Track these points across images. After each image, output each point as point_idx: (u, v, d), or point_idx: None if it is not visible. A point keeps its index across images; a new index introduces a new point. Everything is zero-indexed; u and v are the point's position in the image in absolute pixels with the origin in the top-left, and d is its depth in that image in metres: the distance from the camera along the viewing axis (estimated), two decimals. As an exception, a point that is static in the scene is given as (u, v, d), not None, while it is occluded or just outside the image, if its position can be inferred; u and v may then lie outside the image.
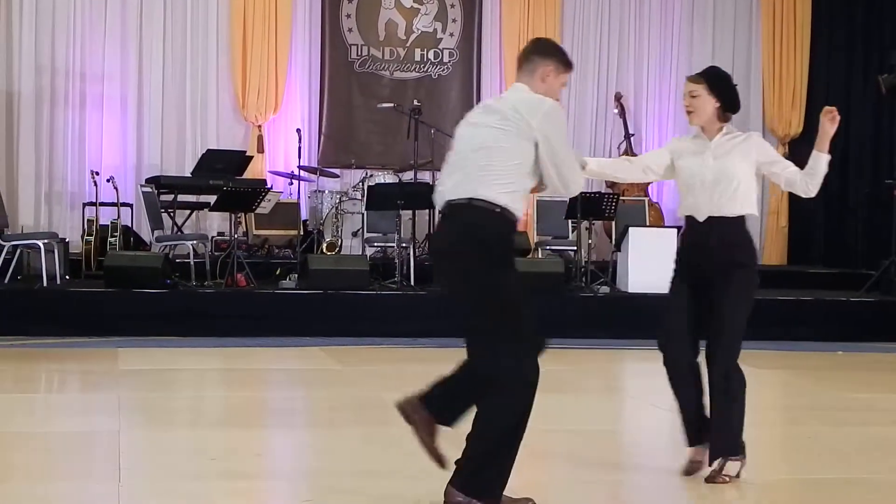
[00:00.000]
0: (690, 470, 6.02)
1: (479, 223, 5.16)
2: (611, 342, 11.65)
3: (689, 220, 6.03)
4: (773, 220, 16.01)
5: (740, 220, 5.93)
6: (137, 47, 14.78)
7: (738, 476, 5.90)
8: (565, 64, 5.57)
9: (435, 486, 5.64)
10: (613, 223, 13.85)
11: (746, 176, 5.92)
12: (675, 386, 6.09)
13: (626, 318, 12.32)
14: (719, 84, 5.98)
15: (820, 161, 5.93)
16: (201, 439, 6.98)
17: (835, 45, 16.15)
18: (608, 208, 13.05)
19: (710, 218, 5.94)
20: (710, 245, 5.94)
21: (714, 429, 5.92)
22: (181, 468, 6.16)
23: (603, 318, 12.33)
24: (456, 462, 5.26)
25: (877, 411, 8.04)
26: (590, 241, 13.16)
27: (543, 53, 5.59)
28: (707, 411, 6.00)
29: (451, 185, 5.28)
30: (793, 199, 15.38)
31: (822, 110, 6.05)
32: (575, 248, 13.41)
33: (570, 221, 13.67)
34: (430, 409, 5.40)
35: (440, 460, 5.37)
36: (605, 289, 12.86)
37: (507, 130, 5.22)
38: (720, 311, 5.93)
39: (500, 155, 5.20)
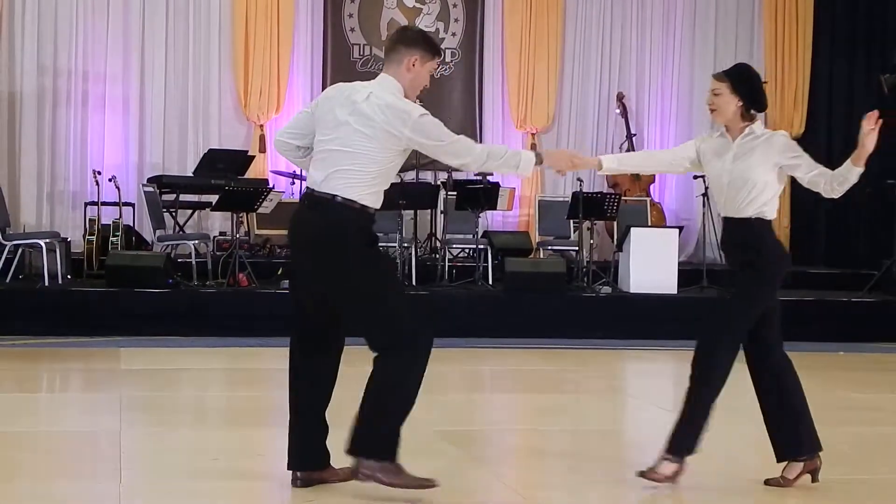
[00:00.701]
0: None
1: (344, 218, 5.40)
2: (612, 342, 11.65)
3: (722, 218, 6.08)
4: (774, 220, 15.94)
5: (753, 222, 5.89)
6: (140, 47, 14.78)
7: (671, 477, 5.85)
8: (432, 51, 5.62)
9: (439, 486, 5.64)
10: (615, 223, 13.85)
11: (763, 178, 5.85)
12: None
13: (627, 319, 12.33)
14: (743, 83, 5.94)
15: (852, 173, 5.87)
16: (203, 439, 6.98)
17: (837, 44, 16.14)
18: (610, 208, 13.05)
19: (727, 219, 5.97)
20: (730, 244, 6.01)
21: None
22: (183, 468, 6.16)
23: (604, 318, 12.32)
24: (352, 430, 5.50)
25: (879, 411, 8.04)
26: (591, 241, 13.16)
27: (408, 43, 5.65)
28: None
29: (319, 179, 5.45)
30: (794, 199, 15.36)
31: (864, 115, 5.90)
32: (577, 248, 13.41)
33: (571, 221, 13.67)
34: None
35: (427, 484, 5.47)
36: (606, 289, 12.86)
37: (374, 137, 5.40)
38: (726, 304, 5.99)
39: (364, 161, 5.41)
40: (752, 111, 5.93)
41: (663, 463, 5.83)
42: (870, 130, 5.76)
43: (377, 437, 5.46)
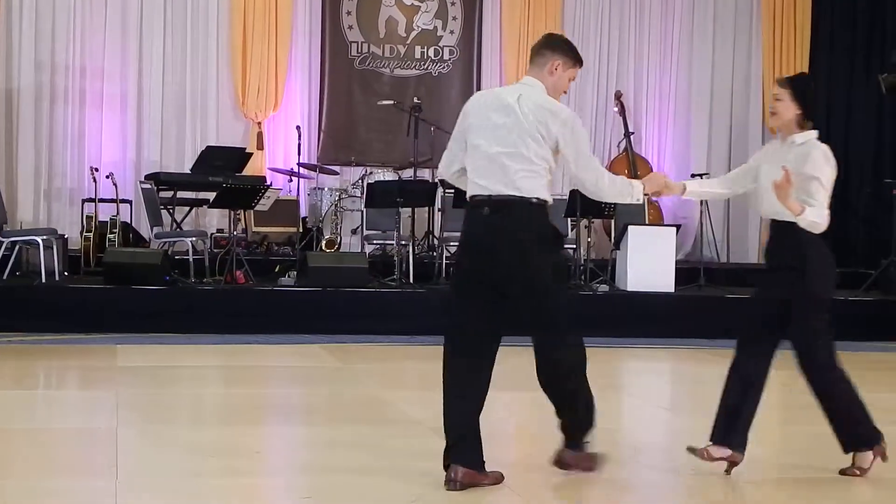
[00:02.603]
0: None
1: (536, 217, 5.67)
2: (610, 340, 11.63)
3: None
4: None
5: (794, 226, 5.93)
6: (137, 44, 14.76)
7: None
8: (574, 59, 5.84)
9: (433, 484, 5.64)
10: (613, 221, 13.84)
11: (795, 184, 5.89)
12: None
13: (625, 317, 12.33)
14: (804, 92, 6.02)
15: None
16: (200, 436, 6.98)
17: (835, 44, 16.13)
18: (607, 207, 13.03)
19: (771, 221, 6.08)
20: (768, 246, 6.14)
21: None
22: (179, 465, 6.15)
23: (602, 316, 12.30)
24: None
25: (876, 411, 8.03)
26: (589, 240, 13.16)
27: (553, 48, 5.85)
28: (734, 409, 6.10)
29: (492, 183, 5.67)
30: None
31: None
32: (574, 246, 13.40)
33: (569, 219, 13.65)
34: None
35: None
36: (604, 287, 12.86)
37: (532, 137, 5.60)
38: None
39: (533, 158, 5.63)
40: (808, 121, 6.03)
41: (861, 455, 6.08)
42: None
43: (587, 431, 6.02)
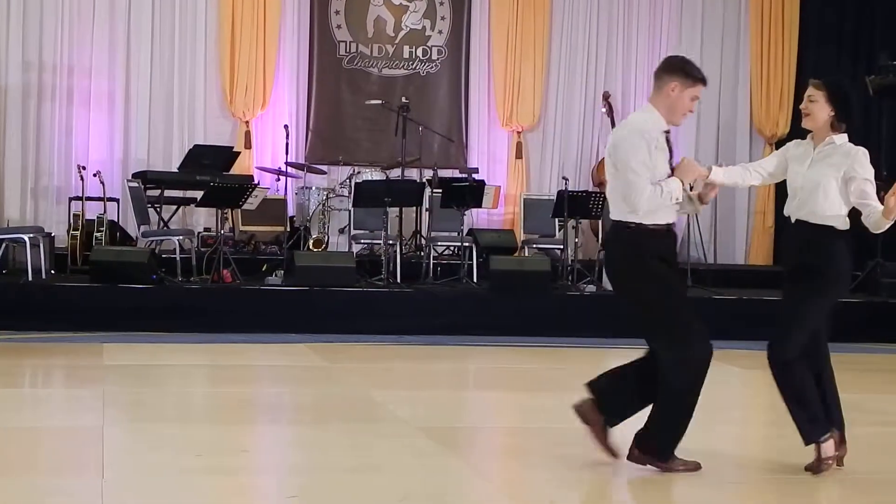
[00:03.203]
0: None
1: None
2: (597, 341, 11.65)
3: (787, 221, 6.18)
4: (759, 220, 16.02)
5: (824, 229, 6.00)
6: (125, 42, 14.73)
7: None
8: (692, 78, 6.00)
9: (420, 482, 5.64)
10: (600, 222, 13.85)
11: (835, 186, 5.97)
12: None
13: (612, 317, 12.30)
14: (839, 94, 6.07)
15: (879, 227, 6.07)
16: (186, 435, 6.97)
17: (823, 45, 16.17)
18: (595, 207, 13.05)
19: (797, 221, 6.10)
20: (796, 246, 6.14)
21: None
22: (166, 464, 6.14)
23: (589, 316, 12.33)
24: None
25: (862, 412, 8.06)
26: (576, 240, 13.17)
27: (669, 70, 6.05)
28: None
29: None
30: (779, 198, 15.38)
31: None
32: (562, 246, 13.42)
33: (556, 220, 13.67)
34: (602, 412, 6.16)
35: (614, 454, 6.13)
36: (591, 287, 12.87)
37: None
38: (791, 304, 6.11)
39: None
40: (841, 123, 6.07)
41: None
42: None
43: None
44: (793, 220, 6.15)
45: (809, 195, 6.02)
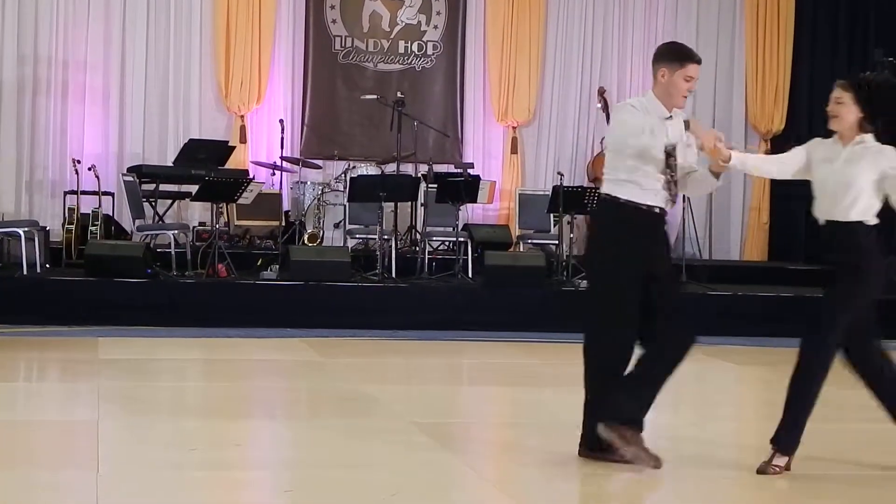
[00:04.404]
0: None
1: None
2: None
3: (818, 223, 6.18)
4: (754, 216, 16.03)
5: (856, 226, 6.00)
6: (120, 36, 14.71)
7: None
8: (678, 59, 6.03)
9: (413, 477, 5.65)
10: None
11: (868, 185, 5.97)
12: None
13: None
14: (869, 94, 6.05)
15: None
16: (181, 429, 6.97)
17: (818, 41, 16.17)
18: (590, 202, 13.04)
19: (828, 222, 6.08)
20: (830, 248, 6.12)
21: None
22: (160, 458, 6.15)
23: (584, 312, 12.31)
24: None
25: (854, 408, 8.07)
26: (571, 235, 13.18)
27: (656, 58, 6.13)
28: None
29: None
30: (774, 195, 15.39)
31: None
32: (557, 241, 13.42)
33: (551, 215, 13.67)
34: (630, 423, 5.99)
35: (657, 462, 5.95)
36: (586, 283, 12.85)
37: None
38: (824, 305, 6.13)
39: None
40: (869, 124, 6.05)
41: (776, 457, 6.02)
42: None
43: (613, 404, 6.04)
44: (822, 222, 6.12)
45: (844, 195, 5.99)
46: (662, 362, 6.01)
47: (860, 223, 5.99)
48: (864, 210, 6.00)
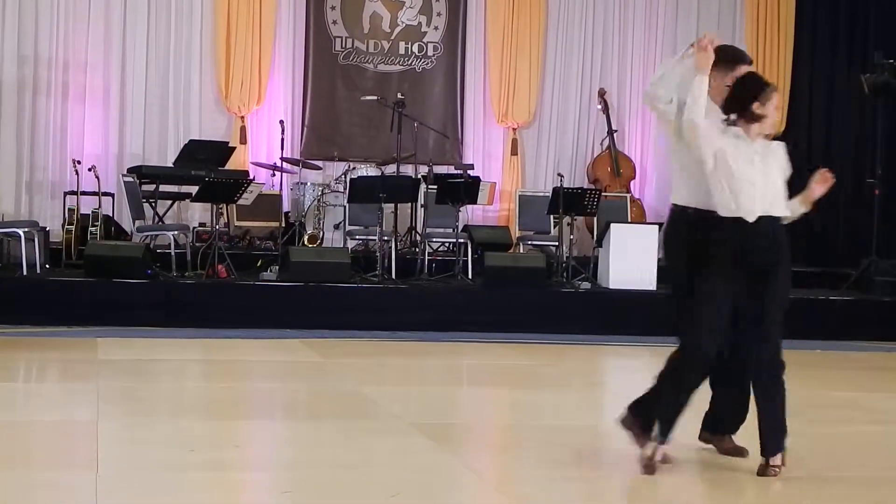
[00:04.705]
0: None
1: None
2: (591, 338, 11.67)
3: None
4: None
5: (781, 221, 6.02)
6: (121, 37, 14.72)
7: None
8: (725, 63, 6.09)
9: (413, 478, 5.65)
10: (595, 219, 13.84)
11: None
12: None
13: (606, 314, 12.35)
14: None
15: (797, 212, 6.05)
16: (180, 430, 6.97)
17: (818, 43, 16.18)
18: (590, 204, 13.07)
19: (763, 218, 6.00)
20: (767, 242, 6.06)
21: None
22: (160, 459, 6.15)
23: (583, 313, 12.34)
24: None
25: (854, 409, 8.08)
26: (571, 237, 13.18)
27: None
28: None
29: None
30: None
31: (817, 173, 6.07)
32: (556, 243, 13.43)
33: (551, 217, 13.68)
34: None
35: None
36: (586, 284, 12.88)
37: None
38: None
39: None
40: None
41: (771, 458, 6.00)
42: (823, 181, 5.98)
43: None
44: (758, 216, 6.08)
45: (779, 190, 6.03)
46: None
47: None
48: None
